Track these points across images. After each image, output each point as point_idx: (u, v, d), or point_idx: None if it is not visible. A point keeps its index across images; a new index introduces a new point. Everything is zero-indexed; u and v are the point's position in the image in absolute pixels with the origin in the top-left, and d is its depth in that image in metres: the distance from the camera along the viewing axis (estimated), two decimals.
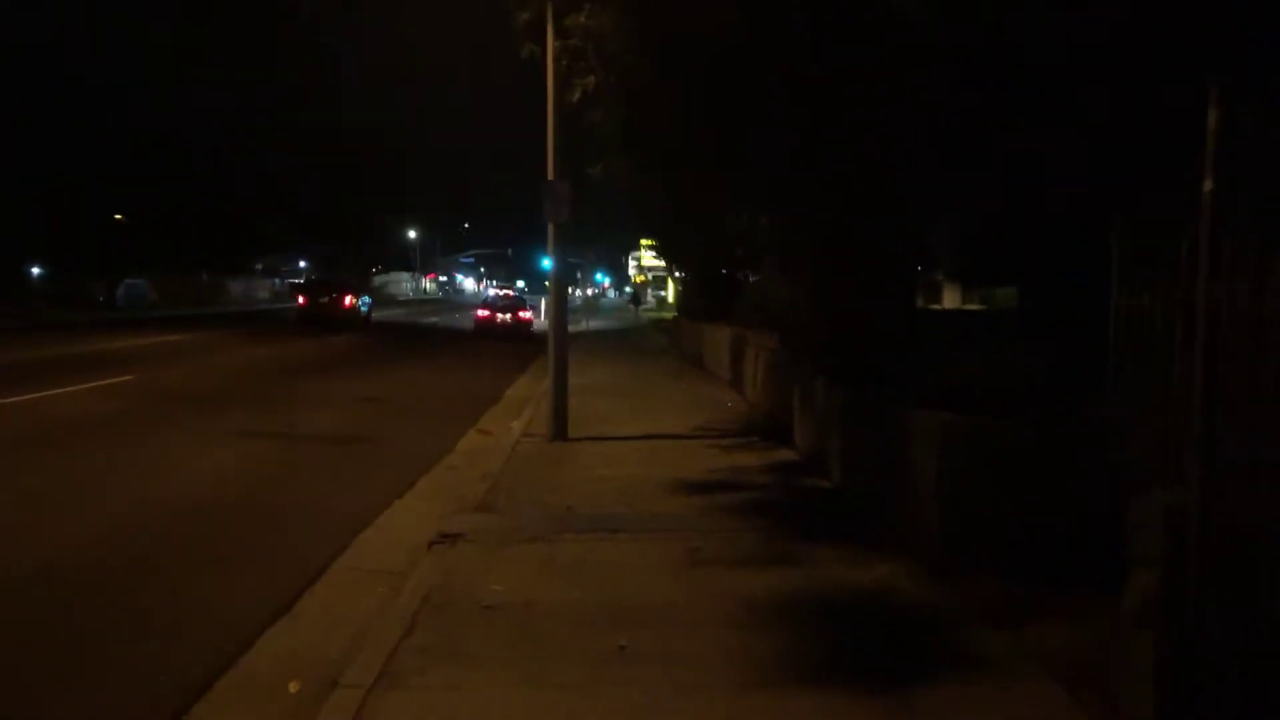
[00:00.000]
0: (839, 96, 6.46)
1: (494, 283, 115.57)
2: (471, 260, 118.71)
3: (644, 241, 52.99)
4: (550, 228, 9.82)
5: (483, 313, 32.05)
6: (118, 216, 55.03)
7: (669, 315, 41.79)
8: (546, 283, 12.26)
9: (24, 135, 43.96)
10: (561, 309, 10.12)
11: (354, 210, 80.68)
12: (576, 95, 8.54)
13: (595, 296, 75.82)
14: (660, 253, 25.91)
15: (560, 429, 9.98)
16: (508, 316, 31.00)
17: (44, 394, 12.62)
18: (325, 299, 33.24)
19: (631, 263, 74.58)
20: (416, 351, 24.61)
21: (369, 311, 37.63)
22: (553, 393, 9.97)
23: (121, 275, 56.68)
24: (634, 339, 31.15)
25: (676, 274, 35.29)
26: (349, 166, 74.39)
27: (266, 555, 6.10)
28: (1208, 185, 2.99)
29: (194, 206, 57.37)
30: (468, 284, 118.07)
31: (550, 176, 9.72)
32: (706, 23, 6.55)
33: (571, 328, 11.77)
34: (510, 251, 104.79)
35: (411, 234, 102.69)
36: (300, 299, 34.95)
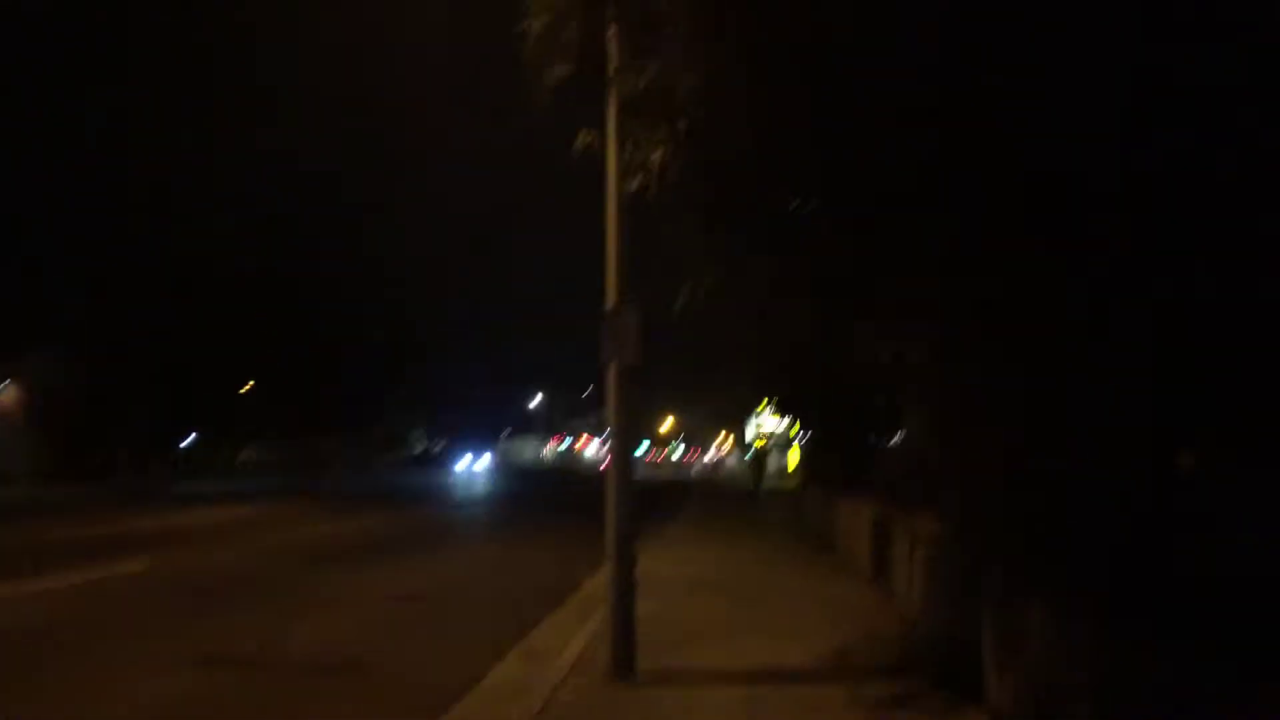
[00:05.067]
0: None
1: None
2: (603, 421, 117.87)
3: (762, 405, 49.79)
4: (612, 373, 6.99)
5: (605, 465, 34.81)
6: (248, 387, 56.17)
7: (790, 485, 37.93)
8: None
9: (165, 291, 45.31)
10: (626, 481, 7.09)
11: (479, 380, 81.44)
12: (636, 183, 5.87)
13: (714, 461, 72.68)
14: (779, 407, 22.88)
15: (623, 662, 6.78)
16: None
17: (39, 587, 10.38)
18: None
19: (751, 424, 71.23)
20: (511, 523, 21.86)
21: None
22: (611, 609, 6.83)
23: (245, 443, 57.34)
24: (751, 511, 27.55)
25: (798, 436, 31.89)
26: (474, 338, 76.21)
27: None
28: None
29: (325, 373, 58.18)
30: (590, 448, 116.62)
31: (611, 303, 6.98)
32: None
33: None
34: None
35: (538, 398, 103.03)
36: None
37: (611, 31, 5.82)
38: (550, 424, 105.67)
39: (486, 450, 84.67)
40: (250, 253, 48.61)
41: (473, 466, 74.36)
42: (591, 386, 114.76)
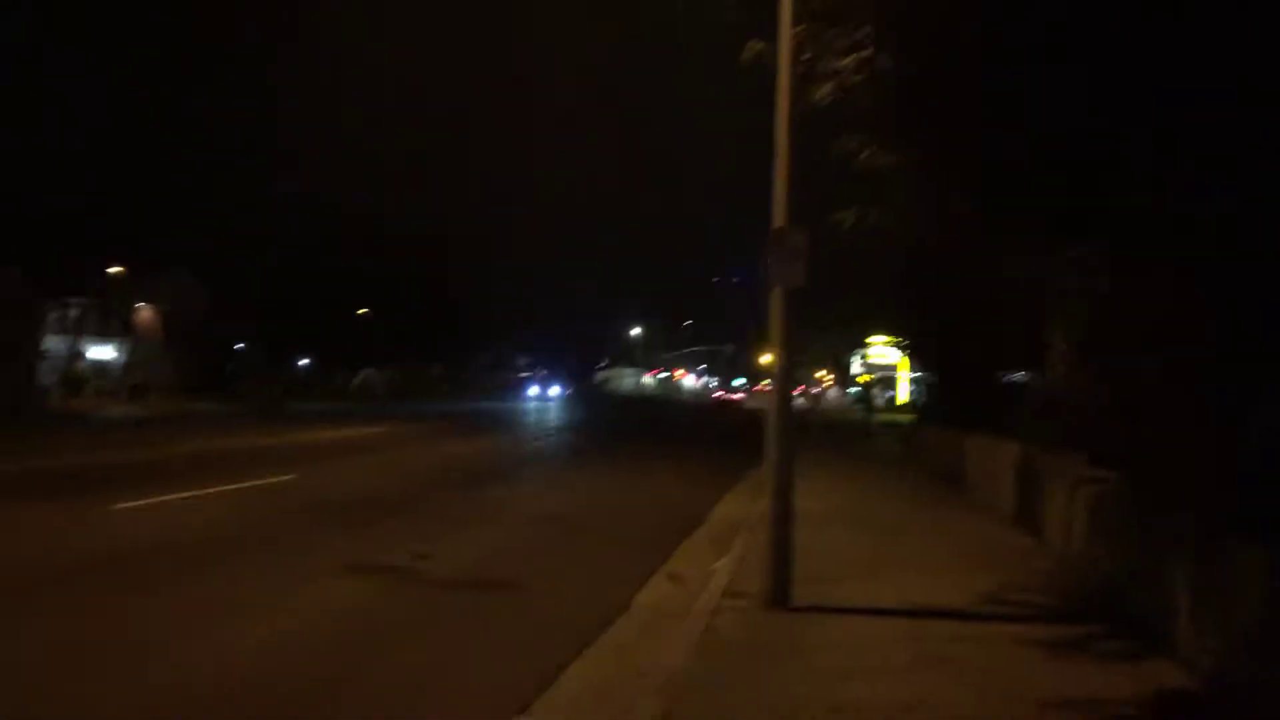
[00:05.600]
0: None
1: (715, 380, 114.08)
2: (699, 354, 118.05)
3: (870, 340, 48.64)
4: (777, 296, 6.74)
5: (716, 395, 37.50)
6: (363, 311, 58.04)
7: (903, 419, 37.14)
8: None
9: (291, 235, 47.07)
10: (786, 411, 6.90)
11: (579, 306, 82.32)
12: (826, 91, 5.50)
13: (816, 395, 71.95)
14: (906, 346, 22.24)
15: (780, 589, 6.66)
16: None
17: (189, 494, 10.92)
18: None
19: (855, 361, 69.99)
20: (625, 452, 22.02)
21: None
22: (771, 533, 6.69)
23: (361, 368, 59.45)
24: (863, 447, 27.05)
25: (914, 374, 31.10)
26: (573, 265, 76.87)
27: None
28: None
29: (444, 301, 59.65)
30: (687, 380, 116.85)
31: (778, 223, 6.70)
32: None
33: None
34: (731, 348, 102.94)
35: (636, 330, 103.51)
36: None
37: None
38: (648, 356, 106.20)
39: (579, 378, 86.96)
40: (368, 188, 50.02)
41: (556, 391, 74.93)
42: (690, 321, 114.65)
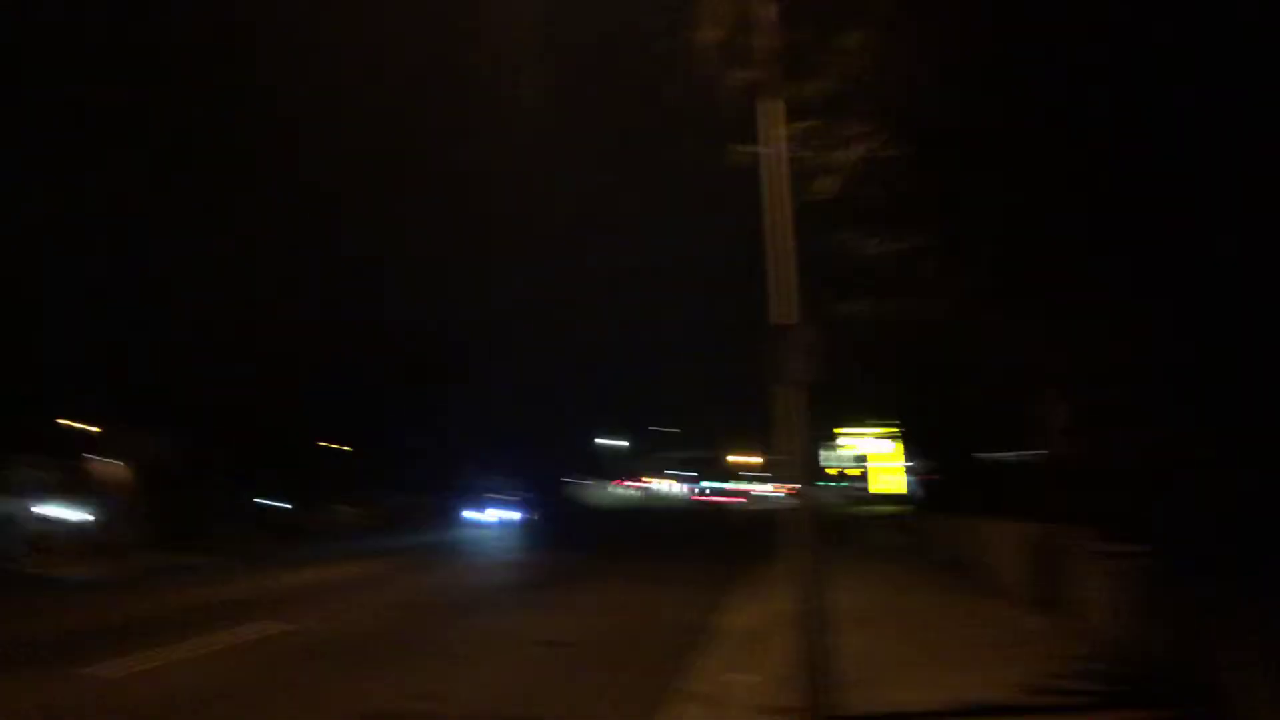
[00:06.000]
0: None
1: (688, 486, 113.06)
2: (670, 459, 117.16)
3: (839, 430, 48.45)
4: (783, 394, 6.63)
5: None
6: (334, 446, 57.43)
7: (891, 510, 36.81)
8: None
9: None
10: (809, 511, 6.68)
11: (549, 423, 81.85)
12: (830, 185, 5.54)
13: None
14: (906, 436, 22.26)
15: (826, 702, 6.33)
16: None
17: (184, 655, 10.31)
18: None
19: (821, 455, 69.52)
20: (613, 568, 21.44)
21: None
22: (807, 641, 6.38)
23: (337, 501, 58.30)
24: (860, 537, 26.64)
25: (908, 463, 31.05)
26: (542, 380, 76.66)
27: None
28: None
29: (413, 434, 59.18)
30: (664, 485, 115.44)
31: (779, 319, 6.64)
32: None
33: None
34: (707, 451, 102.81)
35: (604, 441, 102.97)
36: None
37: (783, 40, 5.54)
38: (610, 468, 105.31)
39: (547, 491, 77.36)
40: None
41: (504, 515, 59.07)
42: (643, 430, 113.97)
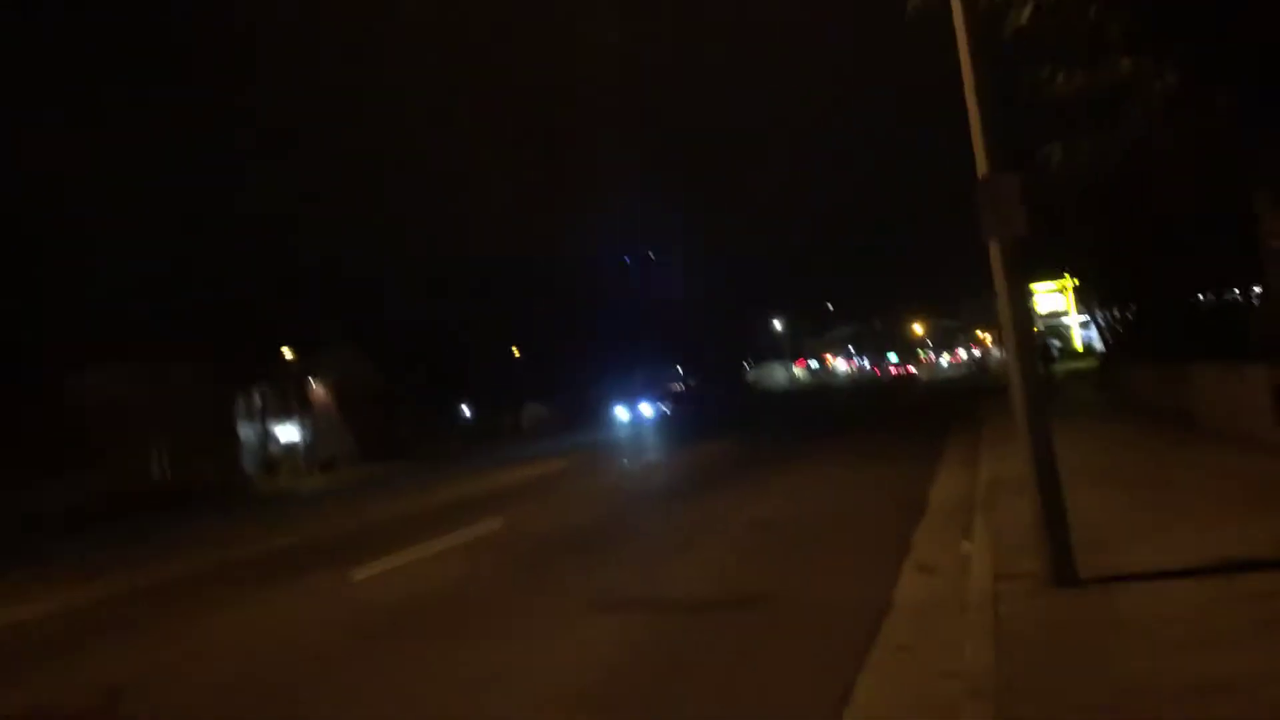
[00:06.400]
0: None
1: (865, 359, 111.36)
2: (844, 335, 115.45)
3: (1034, 286, 45.97)
4: (995, 249, 6.20)
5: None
6: (514, 350, 59.84)
7: (1083, 367, 34.86)
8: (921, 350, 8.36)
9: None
10: (1029, 372, 6.30)
11: (723, 310, 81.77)
12: (1026, 13, 5.00)
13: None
14: (1079, 287, 20.83)
15: (1063, 564, 6.08)
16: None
17: (413, 557, 11.17)
18: None
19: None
20: (802, 449, 21.45)
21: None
22: (1040, 503, 6.10)
23: (521, 404, 61.11)
24: (1059, 401, 25.39)
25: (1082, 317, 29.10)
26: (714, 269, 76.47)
27: None
28: None
29: (577, 332, 61.00)
30: (839, 364, 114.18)
31: (983, 169, 6.18)
32: None
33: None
34: (879, 324, 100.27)
35: (777, 325, 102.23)
36: None
37: None
38: (791, 348, 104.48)
39: (722, 381, 77.03)
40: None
41: (647, 408, 56.55)
42: (829, 305, 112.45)
